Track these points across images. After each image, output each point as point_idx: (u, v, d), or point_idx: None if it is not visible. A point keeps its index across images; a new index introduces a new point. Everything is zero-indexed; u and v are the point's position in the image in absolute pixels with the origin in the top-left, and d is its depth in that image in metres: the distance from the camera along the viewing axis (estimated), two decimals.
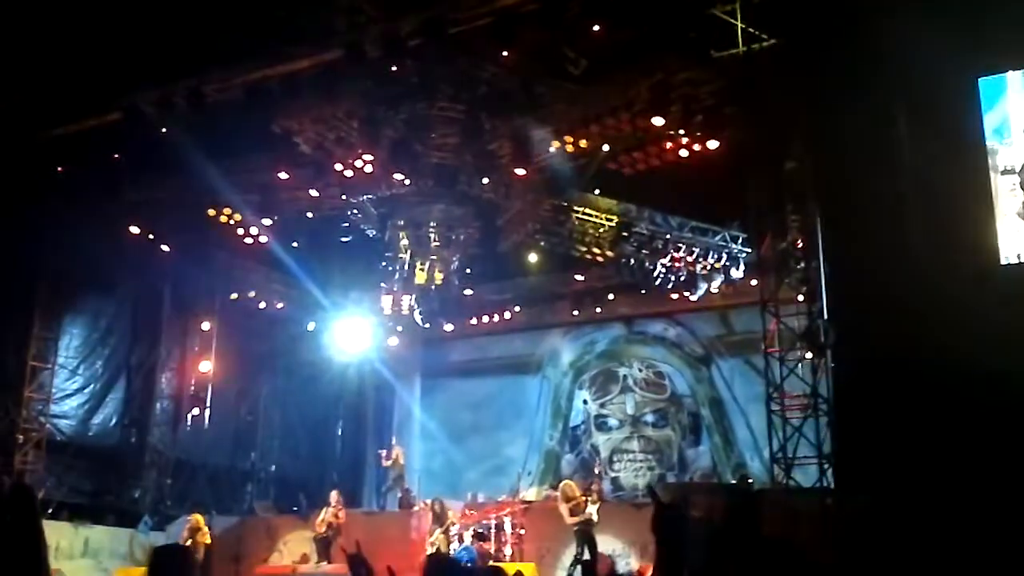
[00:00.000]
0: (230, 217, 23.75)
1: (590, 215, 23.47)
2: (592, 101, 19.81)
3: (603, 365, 30.70)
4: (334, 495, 23.07)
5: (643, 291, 26.67)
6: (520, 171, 21.40)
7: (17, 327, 22.85)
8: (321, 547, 22.09)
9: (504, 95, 20.75)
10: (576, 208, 23.39)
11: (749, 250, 23.10)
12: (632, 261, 24.22)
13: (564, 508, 19.58)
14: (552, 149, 20.87)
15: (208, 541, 22.62)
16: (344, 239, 25.73)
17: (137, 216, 23.39)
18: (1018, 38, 15.54)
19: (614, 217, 23.45)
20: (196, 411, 27.43)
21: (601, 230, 23.65)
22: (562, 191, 22.98)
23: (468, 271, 26.33)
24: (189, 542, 22.41)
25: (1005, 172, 15.72)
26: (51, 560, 18.42)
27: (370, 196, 23.93)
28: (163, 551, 6.17)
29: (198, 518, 22.92)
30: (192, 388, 27.49)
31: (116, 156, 21.23)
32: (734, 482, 25.38)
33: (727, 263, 23.85)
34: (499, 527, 22.10)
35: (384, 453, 26.47)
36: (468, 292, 27.85)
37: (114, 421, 25.99)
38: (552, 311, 29.78)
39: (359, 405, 32.86)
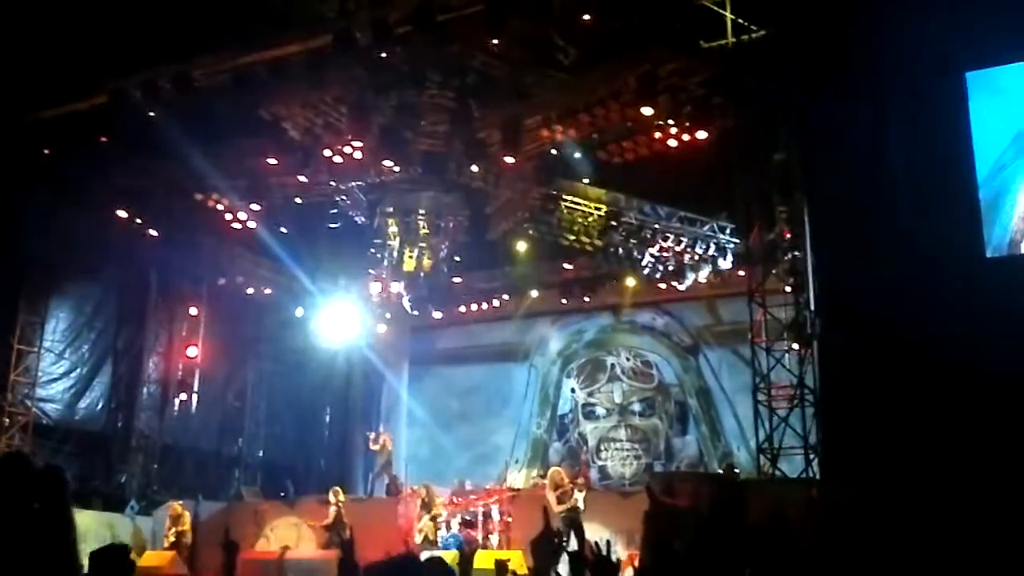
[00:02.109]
0: (218, 202, 23.71)
1: (579, 204, 23.46)
2: (581, 90, 19.77)
3: (591, 354, 30.76)
4: (333, 493, 23.08)
5: (631, 280, 26.74)
6: (509, 159, 21.36)
7: (3, 310, 22.81)
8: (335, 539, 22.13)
9: (494, 83, 20.73)
10: (565, 197, 23.38)
11: (737, 240, 23.14)
12: (620, 250, 24.24)
13: (551, 496, 19.60)
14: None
15: (188, 527, 22.71)
16: (332, 225, 25.70)
17: (124, 200, 23.31)
18: (1006, 33, 15.57)
19: (603, 206, 23.46)
20: (183, 396, 27.46)
21: (590, 219, 23.64)
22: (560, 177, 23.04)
23: (457, 259, 26.36)
24: (172, 530, 22.51)
25: None
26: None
27: (359, 183, 23.94)
28: (101, 553, 5.97)
29: (176, 507, 23.02)
30: (179, 373, 27.51)
31: (103, 140, 21.16)
32: (720, 472, 25.43)
33: (715, 253, 23.88)
34: (486, 514, 22.14)
35: (372, 436, 26.49)
36: (457, 280, 27.88)
37: (100, 405, 25.98)
38: (541, 300, 29.77)
39: (347, 392, 32.86)
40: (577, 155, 21.89)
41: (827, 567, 13.81)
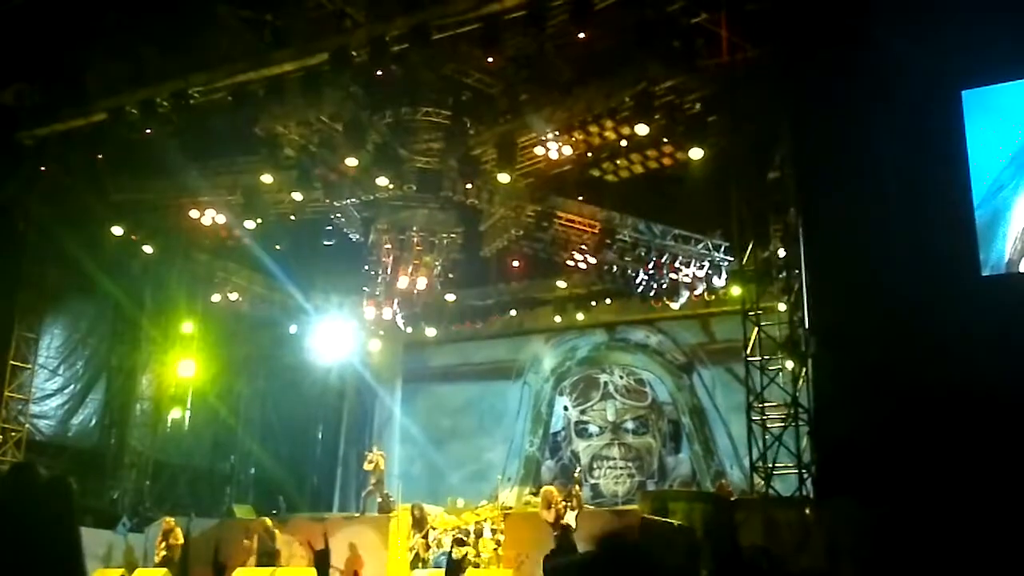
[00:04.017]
0: (213, 219, 23.73)
1: (573, 222, 23.49)
2: (576, 108, 19.83)
3: (584, 371, 30.71)
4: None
5: (626, 298, 26.74)
6: (504, 177, 21.40)
7: None
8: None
9: (488, 101, 20.78)
10: (559, 214, 23.41)
11: (731, 259, 23.15)
12: (615, 268, 24.26)
13: (548, 515, 19.55)
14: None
15: (181, 542, 22.65)
16: (327, 243, 25.66)
17: (120, 217, 23.37)
18: (1003, 52, 15.63)
19: (597, 224, 23.47)
20: (176, 413, 27.41)
21: (584, 237, 23.66)
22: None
23: (451, 276, 26.33)
24: (162, 544, 22.44)
25: None
26: None
27: (353, 200, 23.93)
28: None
29: (169, 521, 22.97)
30: (172, 390, 27.46)
31: (100, 157, 21.20)
32: (714, 490, 25.41)
33: (709, 271, 23.91)
34: (478, 533, 22.07)
35: (368, 457, 26.49)
36: (450, 297, 27.86)
37: (94, 422, 25.97)
38: (534, 317, 29.77)
39: (340, 409, 32.85)
40: None
41: None
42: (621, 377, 30.05)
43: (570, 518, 19.34)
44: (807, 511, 16.57)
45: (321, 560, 20.84)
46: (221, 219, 23.75)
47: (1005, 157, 16.14)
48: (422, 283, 25.43)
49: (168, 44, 18.91)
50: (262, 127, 20.42)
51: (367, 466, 25.95)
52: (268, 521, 23.07)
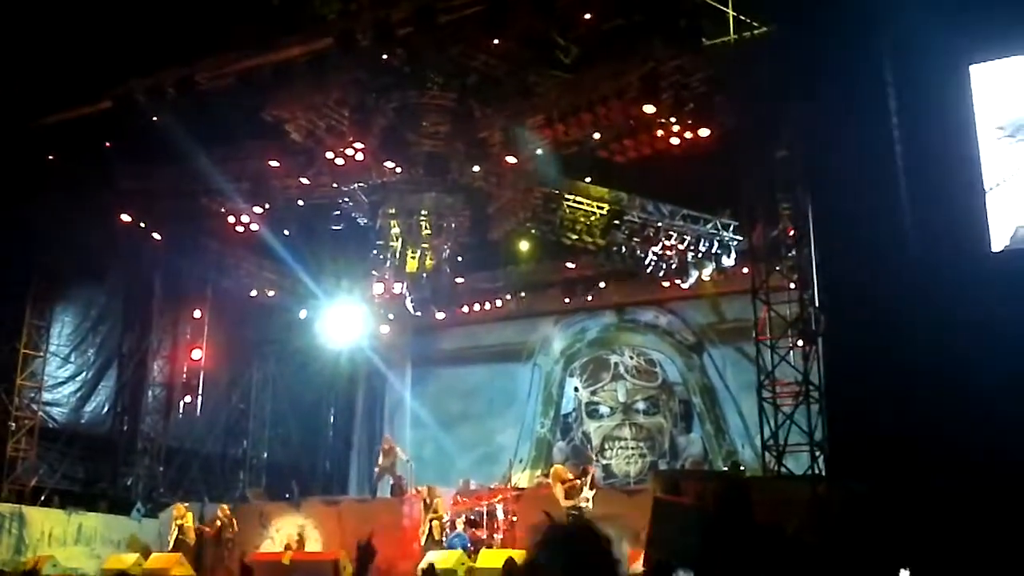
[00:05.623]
0: (221, 205, 23.78)
1: (581, 203, 23.45)
2: (583, 89, 19.77)
3: (594, 353, 30.72)
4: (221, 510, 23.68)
5: (635, 279, 26.76)
6: (511, 159, 21.39)
7: (9, 315, 22.90)
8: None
9: (495, 83, 20.76)
10: (567, 196, 23.38)
11: (740, 238, 23.12)
12: (623, 249, 24.23)
13: (559, 489, 19.58)
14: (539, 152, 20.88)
15: (191, 525, 22.86)
16: (335, 227, 25.69)
17: (129, 204, 23.44)
18: (1010, 25, 15.57)
19: (605, 205, 23.44)
20: (188, 399, 27.61)
21: (592, 218, 23.62)
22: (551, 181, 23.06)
23: (459, 259, 26.30)
24: (176, 531, 22.62)
25: None
26: (44, 546, 18.58)
27: (361, 184, 23.93)
28: None
29: (180, 507, 23.15)
30: (184, 376, 27.63)
31: (108, 144, 21.25)
32: (725, 469, 25.43)
33: (718, 251, 23.86)
34: (491, 514, 22.12)
35: (384, 448, 26.49)
36: (459, 280, 27.86)
37: (106, 409, 26.09)
38: (543, 299, 29.80)
39: (350, 393, 32.93)
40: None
41: (833, 564, 13.84)
42: (631, 358, 30.06)
43: (587, 496, 19.41)
44: (820, 489, 16.59)
45: (364, 555, 21.01)
46: (229, 205, 23.79)
47: (1013, 131, 16.10)
48: (431, 266, 25.41)
49: (174, 30, 18.89)
50: (269, 113, 20.39)
51: (384, 460, 26.00)
52: (226, 508, 23.34)
